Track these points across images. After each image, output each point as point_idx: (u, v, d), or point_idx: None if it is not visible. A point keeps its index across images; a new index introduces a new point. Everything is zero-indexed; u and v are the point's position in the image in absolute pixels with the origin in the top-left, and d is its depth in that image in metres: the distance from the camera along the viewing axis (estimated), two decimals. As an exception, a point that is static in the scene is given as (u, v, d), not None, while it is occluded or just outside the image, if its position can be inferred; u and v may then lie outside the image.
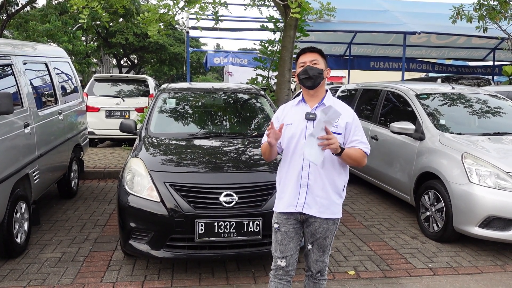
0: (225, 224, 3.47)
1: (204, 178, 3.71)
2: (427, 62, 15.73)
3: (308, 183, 2.61)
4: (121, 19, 25.01)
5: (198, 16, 7.14)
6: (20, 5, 19.99)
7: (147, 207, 3.57)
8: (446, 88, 6.00)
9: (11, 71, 4.48)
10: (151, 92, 10.38)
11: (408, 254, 4.31)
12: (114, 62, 36.83)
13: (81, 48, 19.82)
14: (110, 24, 24.83)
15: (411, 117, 5.44)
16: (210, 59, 15.11)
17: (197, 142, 4.53)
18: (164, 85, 5.78)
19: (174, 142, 4.49)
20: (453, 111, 5.66)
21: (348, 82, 14.50)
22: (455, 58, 16.38)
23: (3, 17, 19.74)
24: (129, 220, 3.64)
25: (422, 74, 17.18)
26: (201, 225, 3.45)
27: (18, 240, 4.14)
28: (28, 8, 20.47)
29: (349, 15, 11.13)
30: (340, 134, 2.60)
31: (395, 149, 5.60)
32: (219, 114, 5.42)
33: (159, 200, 3.56)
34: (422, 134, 5.14)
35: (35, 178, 4.66)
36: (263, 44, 8.81)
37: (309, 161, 2.57)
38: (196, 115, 5.39)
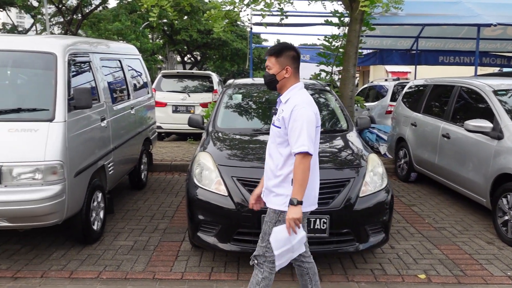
0: (292, 220, 3.45)
1: (270, 174, 3.71)
2: (502, 56, 14.69)
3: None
4: (185, 17, 25.73)
5: (263, 13, 7.18)
6: (93, 6, 21.18)
7: (215, 201, 3.65)
8: (527, 84, 5.57)
9: (89, 67, 4.74)
10: (215, 88, 10.58)
11: (484, 260, 4.07)
12: (178, 58, 37.98)
13: (148, 46, 20.64)
14: (176, 21, 25.64)
15: (487, 114, 5.12)
16: (272, 55, 15.11)
17: (261, 137, 4.55)
18: (229, 81, 5.87)
19: (239, 137, 4.54)
20: (536, 108, 5.25)
21: (415, 78, 13.90)
22: (534, 52, 15.15)
23: (78, 17, 21.02)
24: (197, 212, 3.74)
25: (496, 69, 16.09)
26: (268, 221, 3.46)
27: (94, 227, 4.40)
28: (100, 8, 21.65)
29: (417, 7, 10.64)
30: (279, 127, 2.62)
31: (470, 149, 5.29)
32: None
33: (226, 194, 3.62)
34: (500, 132, 4.82)
35: (109, 169, 4.92)
36: (327, 39, 8.67)
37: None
38: (260, 111, 5.42)
